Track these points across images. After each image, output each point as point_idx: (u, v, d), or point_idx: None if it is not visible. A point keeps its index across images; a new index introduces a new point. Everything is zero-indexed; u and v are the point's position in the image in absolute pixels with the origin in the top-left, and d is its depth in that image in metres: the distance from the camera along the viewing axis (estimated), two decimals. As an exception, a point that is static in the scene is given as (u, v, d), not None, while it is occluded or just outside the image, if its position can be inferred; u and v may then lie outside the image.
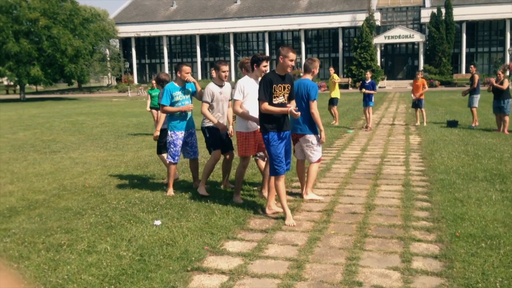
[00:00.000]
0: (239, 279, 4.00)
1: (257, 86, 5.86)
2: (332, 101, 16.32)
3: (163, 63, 60.93)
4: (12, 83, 52.41)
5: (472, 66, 15.04)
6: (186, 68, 6.97)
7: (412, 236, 4.97)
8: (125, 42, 63.19)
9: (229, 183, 7.30)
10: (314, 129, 6.38)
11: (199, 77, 58.68)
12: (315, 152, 6.45)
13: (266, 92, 5.45)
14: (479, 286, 3.75)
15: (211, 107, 6.70)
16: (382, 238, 4.97)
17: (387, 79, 52.24)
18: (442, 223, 5.32)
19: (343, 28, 55.85)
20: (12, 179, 8.49)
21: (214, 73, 6.95)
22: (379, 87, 49.45)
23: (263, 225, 5.43)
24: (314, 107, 6.28)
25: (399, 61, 56.25)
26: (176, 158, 6.90)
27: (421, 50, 52.14)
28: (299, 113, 5.51)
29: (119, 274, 4.04)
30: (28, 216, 6.04)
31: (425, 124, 15.22)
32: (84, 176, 8.65)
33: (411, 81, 48.99)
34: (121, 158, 10.54)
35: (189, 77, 6.89)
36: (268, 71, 6.00)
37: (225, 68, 6.67)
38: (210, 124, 6.72)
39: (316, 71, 6.55)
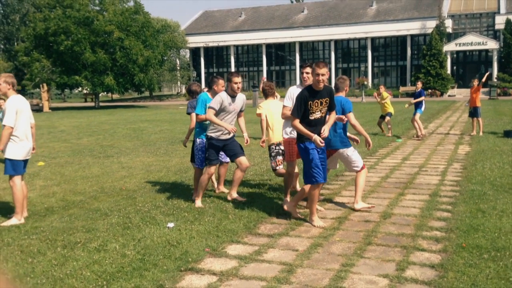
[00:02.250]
0: (227, 280, 4.14)
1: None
2: (385, 116, 15.70)
3: (230, 72, 62.09)
4: (89, 92, 55.33)
5: None
6: (222, 82, 7.22)
7: (417, 246, 4.90)
8: (195, 52, 65.06)
9: (236, 194, 6.95)
10: (345, 144, 6.40)
11: (265, 86, 59.09)
12: (355, 162, 6.41)
13: (299, 109, 5.52)
14: (462, 297, 3.67)
15: (219, 114, 6.60)
16: (385, 246, 4.93)
17: (458, 87, 50.34)
18: (454, 234, 5.19)
19: (412, 36, 54.50)
20: (59, 181, 9.09)
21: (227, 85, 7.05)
22: (448, 96, 47.78)
23: (272, 230, 5.53)
24: (352, 118, 6.39)
25: (471, 69, 53.99)
26: (203, 163, 7.10)
27: (495, 57, 49.83)
28: (322, 144, 5.51)
29: (116, 271, 4.29)
30: (61, 216, 6.48)
31: (481, 133, 14.61)
32: (125, 179, 9.10)
33: (485, 89, 47.10)
34: (165, 164, 10.96)
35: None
36: (306, 79, 6.08)
37: (237, 79, 6.55)
38: (214, 133, 6.59)
39: (348, 89, 6.67)
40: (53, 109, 45.36)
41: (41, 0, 43.72)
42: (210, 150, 6.61)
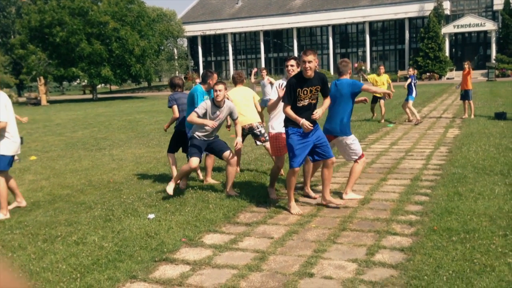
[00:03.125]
0: (200, 269, 4.23)
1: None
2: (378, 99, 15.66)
3: (228, 60, 61.98)
4: (87, 84, 55.32)
5: None
6: (216, 76, 7.36)
7: (390, 230, 4.98)
8: (192, 41, 64.85)
9: (233, 191, 6.79)
10: (346, 131, 6.21)
11: (263, 73, 58.99)
12: (354, 151, 6.26)
13: (289, 96, 5.59)
14: (425, 278, 3.76)
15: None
16: (359, 231, 5.01)
17: (456, 70, 50.13)
18: (428, 217, 5.27)
19: (410, 19, 54.16)
20: (49, 175, 9.18)
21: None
22: (447, 78, 47.63)
23: (251, 219, 5.61)
24: (368, 87, 6.34)
25: (469, 51, 53.73)
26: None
27: (493, 39, 49.56)
28: (311, 127, 5.54)
29: (91, 263, 4.39)
30: (46, 210, 6.58)
31: (472, 116, 14.63)
32: (113, 172, 9.18)
33: (483, 71, 46.96)
34: (155, 155, 11.03)
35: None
36: (290, 71, 6.08)
37: (217, 87, 6.44)
38: (198, 133, 6.62)
39: (351, 72, 6.47)
40: (51, 102, 45.43)
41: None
42: (192, 146, 6.60)
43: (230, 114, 6.71)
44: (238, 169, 8.17)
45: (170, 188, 6.46)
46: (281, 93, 5.87)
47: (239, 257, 4.46)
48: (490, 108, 17.26)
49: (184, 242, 4.87)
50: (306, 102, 5.63)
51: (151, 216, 5.74)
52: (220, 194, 6.66)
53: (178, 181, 6.82)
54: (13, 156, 6.41)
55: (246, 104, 7.79)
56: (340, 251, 4.49)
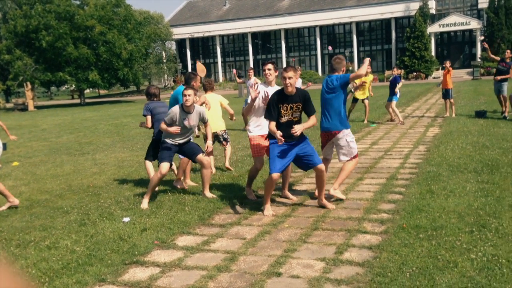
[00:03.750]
0: (169, 271, 4.27)
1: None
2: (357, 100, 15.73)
3: (217, 62, 61.99)
4: (75, 89, 55.06)
5: (508, 51, 14.39)
6: (199, 78, 7.49)
7: (361, 229, 5.04)
8: (180, 44, 64.80)
9: (209, 193, 6.80)
10: (345, 124, 6.15)
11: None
12: (352, 149, 6.18)
13: (270, 113, 5.64)
14: (389, 275, 3.82)
15: (170, 126, 6.54)
16: (331, 230, 5.07)
17: (443, 69, 50.51)
18: (399, 215, 5.34)
19: (396, 19, 54.54)
20: (29, 181, 9.15)
21: None
22: (433, 78, 47.96)
23: (226, 220, 5.65)
24: (354, 75, 5.99)
25: (455, 50, 54.20)
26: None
27: (478, 37, 50.00)
28: (281, 141, 5.49)
29: (61, 267, 4.41)
30: (23, 215, 6.56)
31: (453, 115, 14.78)
32: (94, 176, 9.18)
33: (468, 70, 47.35)
34: (138, 159, 11.03)
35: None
36: (267, 75, 6.18)
37: (185, 92, 6.40)
38: (168, 139, 6.61)
39: (345, 69, 6.30)
40: (38, 107, 45.14)
41: (21, -3, 43.38)
42: (163, 151, 6.58)
43: (202, 119, 6.73)
44: (214, 170, 8.35)
45: (144, 204, 6.41)
46: (254, 95, 5.93)
47: (210, 258, 4.50)
48: (472, 106, 17.43)
49: (156, 245, 4.90)
50: (286, 118, 5.67)
51: (126, 219, 5.76)
52: (197, 197, 6.70)
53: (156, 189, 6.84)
54: None
55: (212, 113, 8.01)
56: (310, 251, 4.54)
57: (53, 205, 7.08)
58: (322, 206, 5.91)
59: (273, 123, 5.65)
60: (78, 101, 55.33)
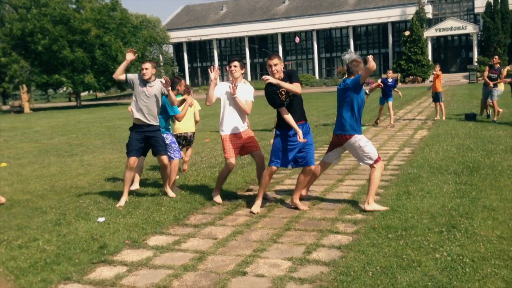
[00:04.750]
0: (136, 270, 4.26)
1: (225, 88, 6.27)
2: None
3: (214, 66, 61.98)
4: (71, 91, 55.11)
5: (496, 57, 14.46)
6: (184, 82, 7.73)
7: (334, 229, 5.04)
8: (178, 47, 64.89)
9: (169, 190, 6.91)
10: (356, 129, 5.79)
11: (249, 78, 59.26)
12: (368, 154, 5.73)
13: (275, 101, 5.68)
14: (352, 274, 3.83)
15: (134, 102, 6.56)
16: (303, 231, 5.07)
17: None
18: (373, 216, 5.34)
19: (393, 23, 54.69)
20: (13, 182, 9.14)
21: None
22: (430, 81, 48.02)
23: (200, 220, 5.65)
24: (364, 74, 5.57)
25: (452, 54, 54.33)
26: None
27: (475, 41, 50.14)
28: (303, 140, 5.58)
29: (28, 266, 4.40)
30: (1, 215, 6.55)
31: (444, 118, 14.81)
32: (79, 177, 9.17)
33: (465, 73, 47.44)
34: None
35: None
36: (233, 71, 6.28)
37: (143, 65, 6.51)
38: (134, 116, 6.57)
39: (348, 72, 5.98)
40: (35, 109, 45.13)
41: (17, 0, 43.39)
42: (129, 143, 6.59)
43: (162, 90, 6.57)
44: (186, 166, 8.65)
45: (120, 202, 6.50)
46: (214, 76, 6.21)
47: (178, 257, 4.50)
48: (464, 109, 17.47)
49: (127, 244, 4.90)
50: (288, 100, 5.71)
51: (101, 219, 5.75)
52: (176, 197, 6.69)
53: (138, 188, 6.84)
54: None
55: (189, 113, 8.19)
56: (279, 250, 4.54)
57: (33, 205, 7.07)
58: (296, 208, 5.90)
59: (289, 114, 5.65)
60: (74, 103, 55.39)
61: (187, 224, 5.55)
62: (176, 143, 7.28)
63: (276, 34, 58.66)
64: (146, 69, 6.42)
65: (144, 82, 6.51)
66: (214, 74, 6.21)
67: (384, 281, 3.67)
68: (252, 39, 60.79)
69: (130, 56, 6.46)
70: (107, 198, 7.01)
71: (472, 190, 6.17)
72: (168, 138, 7.12)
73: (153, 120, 6.56)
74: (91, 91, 55.97)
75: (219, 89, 6.29)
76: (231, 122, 6.27)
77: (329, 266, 4.08)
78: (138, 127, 6.57)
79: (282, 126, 5.77)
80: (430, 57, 50.74)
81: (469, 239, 4.47)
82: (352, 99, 5.74)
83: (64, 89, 63.12)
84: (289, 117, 5.62)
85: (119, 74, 6.49)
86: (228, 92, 6.24)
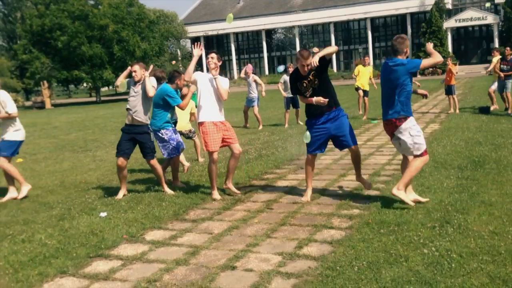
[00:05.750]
0: (130, 264, 4.38)
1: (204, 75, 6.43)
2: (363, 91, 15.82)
3: (231, 60, 62.16)
4: (91, 87, 55.81)
5: (508, 48, 14.18)
6: (183, 76, 7.57)
7: (328, 224, 5.09)
8: (195, 41, 64.97)
9: (179, 183, 7.35)
10: (407, 110, 5.44)
11: (266, 72, 59.25)
12: (418, 144, 5.45)
13: (296, 89, 6.02)
14: (337, 269, 3.89)
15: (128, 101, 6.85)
16: (298, 226, 5.13)
17: (460, 64, 49.82)
18: (369, 211, 5.37)
19: (412, 14, 54.01)
20: (26, 177, 9.30)
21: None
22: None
23: (199, 216, 5.74)
24: (425, 62, 5.40)
25: (472, 45, 53.45)
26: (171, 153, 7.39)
27: (496, 32, 49.24)
28: (324, 101, 5.76)
29: (28, 260, 4.56)
30: (10, 210, 6.74)
31: (457, 111, 14.66)
32: (89, 172, 9.35)
33: (486, 65, 46.60)
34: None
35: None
36: (210, 62, 6.36)
37: (131, 68, 6.79)
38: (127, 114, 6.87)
39: (408, 50, 5.60)
40: (56, 105, 45.85)
41: (37, -3, 44.12)
42: (119, 140, 6.86)
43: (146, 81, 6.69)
44: (186, 167, 8.43)
45: (118, 195, 6.81)
46: (197, 52, 6.39)
47: (172, 252, 4.60)
48: (480, 102, 17.24)
49: (125, 239, 5.02)
50: (311, 91, 5.89)
51: (103, 214, 5.89)
52: (177, 192, 6.80)
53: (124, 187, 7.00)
54: (21, 142, 7.59)
55: (181, 113, 8.37)
56: (271, 245, 4.61)
57: (42, 200, 7.25)
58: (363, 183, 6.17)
59: (307, 99, 5.93)
60: (95, 99, 56.11)
61: (186, 219, 5.65)
62: (175, 139, 7.31)
63: (293, 27, 58.42)
64: (134, 71, 6.72)
65: (135, 83, 6.81)
66: (197, 50, 6.38)
67: (369, 276, 3.71)
68: (269, 32, 60.67)
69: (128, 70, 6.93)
70: (113, 193, 7.14)
71: (473, 185, 6.15)
72: (168, 134, 7.21)
73: (141, 119, 6.74)
74: (110, 87, 56.69)
75: (198, 74, 6.45)
76: (207, 109, 6.37)
77: (318, 261, 4.13)
78: (127, 128, 6.81)
79: (308, 116, 6.04)
80: (450, 49, 50.00)
81: (460, 234, 4.48)
82: (404, 82, 5.39)
83: (85, 84, 64.02)
84: (306, 100, 5.94)
85: (117, 84, 7.00)
86: (205, 81, 6.37)
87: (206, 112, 6.38)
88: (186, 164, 8.42)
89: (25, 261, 4.53)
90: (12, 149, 7.45)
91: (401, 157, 8.39)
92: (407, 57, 5.56)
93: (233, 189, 6.65)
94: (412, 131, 5.44)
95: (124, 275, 4.15)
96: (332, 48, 6.03)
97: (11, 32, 71.74)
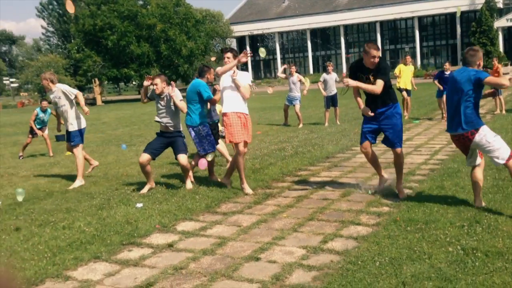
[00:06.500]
0: (159, 252, 4.56)
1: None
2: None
3: (276, 59, 62.26)
4: (138, 84, 57.15)
5: None
6: (213, 71, 7.73)
7: (356, 220, 5.12)
8: (241, 41, 65.60)
9: (215, 177, 7.55)
10: (473, 125, 5.15)
11: (311, 71, 59.03)
12: (497, 151, 5.14)
13: (352, 76, 6.07)
14: (359, 263, 3.93)
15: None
16: (326, 221, 5.18)
17: (512, 65, 48.20)
18: (399, 209, 5.36)
19: (461, 13, 52.45)
20: (73, 169, 9.76)
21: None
22: (503, 74, 45.87)
23: (231, 209, 5.88)
24: (492, 79, 5.09)
25: (525, 45, 51.53)
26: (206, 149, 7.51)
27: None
28: (370, 114, 5.93)
29: (66, 245, 4.82)
30: (56, 199, 7.09)
31: (503, 112, 14.25)
32: (131, 166, 9.67)
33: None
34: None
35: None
36: (227, 62, 6.45)
37: (153, 81, 6.99)
38: (156, 119, 7.22)
39: (481, 63, 5.31)
40: (106, 102, 47.34)
41: (89, -2, 45.62)
42: (149, 143, 7.21)
43: (173, 102, 6.94)
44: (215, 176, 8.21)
45: (144, 189, 7.06)
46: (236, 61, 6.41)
47: (201, 242, 4.76)
48: (529, 103, 16.68)
49: (157, 229, 5.22)
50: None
51: (139, 205, 6.12)
52: (211, 187, 6.95)
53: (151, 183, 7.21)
54: (84, 129, 8.45)
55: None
56: (297, 239, 4.69)
57: (85, 190, 7.58)
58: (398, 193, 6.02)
59: (358, 97, 6.18)
60: (142, 96, 57.40)
61: (217, 212, 5.81)
62: (212, 135, 7.47)
63: (339, 26, 57.96)
64: (156, 84, 6.92)
65: (158, 96, 7.05)
66: (242, 56, 6.39)
67: (389, 271, 3.74)
68: (314, 32, 60.43)
69: (146, 83, 7.09)
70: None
71: (509, 186, 6.02)
72: (205, 130, 7.36)
73: (174, 127, 7.06)
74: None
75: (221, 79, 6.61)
76: (231, 100, 6.50)
77: (341, 255, 4.19)
78: (161, 133, 7.14)
79: (366, 104, 6.06)
80: (501, 48, 48.40)
81: (489, 234, 4.43)
82: (474, 94, 5.15)
83: (134, 82, 65.63)
84: (358, 99, 6.18)
85: (143, 100, 7.35)
86: (227, 76, 6.50)
87: (229, 104, 6.53)
88: (230, 157, 8.45)
89: (63, 246, 4.79)
90: (80, 137, 8.27)
91: (439, 156, 8.33)
92: (480, 69, 5.29)
93: (247, 190, 6.61)
94: (488, 137, 5.19)
95: (153, 262, 4.33)
96: (371, 88, 5.85)
97: (66, 31, 74.40)
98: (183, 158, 6.97)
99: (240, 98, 6.54)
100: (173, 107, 6.98)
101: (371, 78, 5.88)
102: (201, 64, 7.91)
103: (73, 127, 8.16)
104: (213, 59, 15.26)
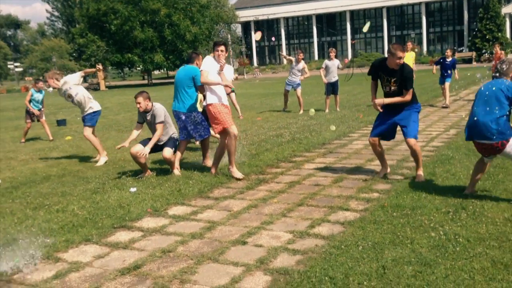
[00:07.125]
0: (149, 235, 4.65)
1: (214, 66, 6.48)
2: None
3: (281, 44, 62.00)
4: (142, 69, 57.15)
5: None
6: (201, 57, 7.78)
7: (345, 206, 5.18)
8: (246, 26, 65.32)
9: (209, 162, 7.55)
10: (503, 135, 4.99)
11: (316, 57, 58.77)
12: None
13: (375, 74, 6.13)
14: (342, 248, 3.99)
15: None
16: (315, 207, 5.25)
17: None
18: (388, 195, 5.42)
19: (469, -2, 52.06)
20: (71, 154, 9.89)
21: None
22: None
23: (223, 194, 5.95)
24: None
25: (533, 31, 51.00)
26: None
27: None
28: (379, 110, 6.04)
29: (58, 228, 4.92)
30: (53, 183, 7.20)
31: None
32: (129, 151, 9.73)
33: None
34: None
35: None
36: (221, 56, 6.47)
37: (136, 100, 7.00)
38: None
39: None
40: (110, 87, 47.41)
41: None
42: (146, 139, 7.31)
43: (155, 117, 7.05)
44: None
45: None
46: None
47: (190, 226, 4.84)
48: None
49: (149, 213, 5.30)
50: (387, 89, 6.03)
51: (133, 189, 6.21)
52: (205, 172, 7.02)
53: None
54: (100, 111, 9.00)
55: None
56: (285, 224, 4.76)
57: (82, 175, 7.68)
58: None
59: (373, 82, 6.20)
60: (146, 81, 57.46)
61: (209, 197, 5.88)
62: (205, 121, 7.51)
63: (345, 11, 57.54)
64: (139, 103, 6.93)
65: (145, 113, 7.08)
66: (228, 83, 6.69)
67: (371, 255, 3.81)
68: (319, 17, 60.03)
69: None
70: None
71: (500, 173, 6.06)
72: (199, 116, 7.41)
73: (166, 136, 7.21)
74: (163, 70, 57.90)
75: (210, 60, 6.59)
76: (216, 93, 6.59)
77: (326, 240, 4.25)
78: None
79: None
80: (508, 35, 47.96)
81: (473, 220, 4.48)
82: (502, 102, 5.04)
83: (138, 68, 65.61)
84: (372, 91, 6.23)
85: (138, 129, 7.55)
86: (215, 69, 6.51)
87: (215, 95, 6.60)
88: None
89: (56, 229, 4.89)
90: (94, 119, 8.79)
91: (434, 143, 8.35)
92: None
93: (237, 174, 6.64)
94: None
95: (142, 245, 4.42)
96: (399, 100, 5.95)
97: (70, 16, 74.36)
98: (167, 152, 6.98)
99: (223, 91, 6.64)
100: (162, 125, 7.07)
101: (392, 81, 5.90)
102: (191, 52, 7.92)
103: (92, 109, 8.72)
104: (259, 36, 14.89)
